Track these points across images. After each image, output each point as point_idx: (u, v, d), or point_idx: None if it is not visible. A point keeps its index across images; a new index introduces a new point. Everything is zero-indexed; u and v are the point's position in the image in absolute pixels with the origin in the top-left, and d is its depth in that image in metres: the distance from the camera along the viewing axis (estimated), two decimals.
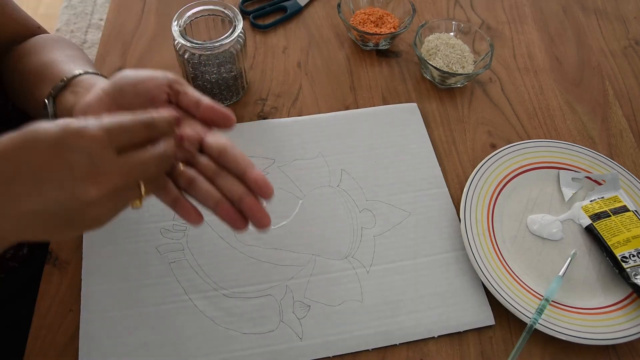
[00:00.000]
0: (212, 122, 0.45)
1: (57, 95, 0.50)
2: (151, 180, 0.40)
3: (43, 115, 0.50)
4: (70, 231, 0.38)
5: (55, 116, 0.50)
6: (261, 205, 0.42)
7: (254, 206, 0.42)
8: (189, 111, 0.45)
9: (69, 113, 0.47)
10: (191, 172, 0.43)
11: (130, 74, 0.45)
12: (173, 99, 0.45)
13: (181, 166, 0.43)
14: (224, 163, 0.43)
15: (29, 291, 0.55)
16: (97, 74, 0.52)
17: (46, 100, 0.50)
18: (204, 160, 0.44)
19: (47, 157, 0.34)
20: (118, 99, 0.44)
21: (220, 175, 0.43)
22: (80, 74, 0.51)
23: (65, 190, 0.35)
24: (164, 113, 0.40)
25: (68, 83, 0.50)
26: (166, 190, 0.42)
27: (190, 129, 0.44)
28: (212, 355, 0.50)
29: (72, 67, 0.53)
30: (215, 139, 0.44)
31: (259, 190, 0.42)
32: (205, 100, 0.44)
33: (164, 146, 0.39)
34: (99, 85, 0.47)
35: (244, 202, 0.42)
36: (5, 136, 0.34)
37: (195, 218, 0.43)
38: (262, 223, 0.42)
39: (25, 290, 0.59)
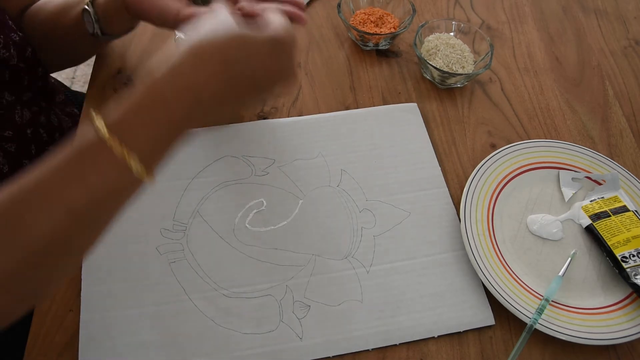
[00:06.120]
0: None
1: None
2: None
3: (82, 25, 0.61)
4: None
5: (98, 20, 0.60)
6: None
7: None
8: None
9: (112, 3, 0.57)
10: None
11: None
12: None
13: None
14: None
15: None
16: None
17: (86, 6, 0.59)
18: None
19: (263, 57, 0.40)
20: None
21: None
22: None
23: (274, 82, 0.42)
24: None
25: None
26: None
27: None
28: (212, 355, 0.50)
29: None
30: None
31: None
32: None
33: None
34: None
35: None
36: (228, 38, 0.40)
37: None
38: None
39: None
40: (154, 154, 0.38)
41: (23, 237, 0.35)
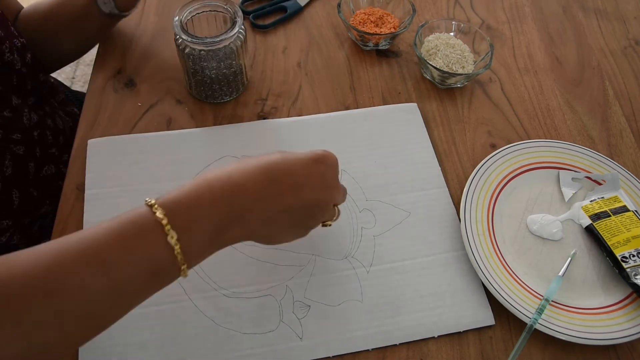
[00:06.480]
0: None
1: None
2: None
3: (90, 9, 0.65)
4: (298, 232, 0.48)
5: None
6: None
7: None
8: None
9: None
10: None
11: None
12: None
13: None
14: None
15: None
16: None
17: None
18: None
19: (306, 168, 0.45)
20: None
21: None
22: None
23: (317, 193, 0.46)
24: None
25: None
26: None
27: None
28: (212, 355, 0.50)
29: None
30: None
31: None
32: None
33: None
34: None
35: None
36: (272, 155, 0.45)
37: None
38: None
39: None
40: (192, 239, 0.40)
41: (61, 299, 0.35)
